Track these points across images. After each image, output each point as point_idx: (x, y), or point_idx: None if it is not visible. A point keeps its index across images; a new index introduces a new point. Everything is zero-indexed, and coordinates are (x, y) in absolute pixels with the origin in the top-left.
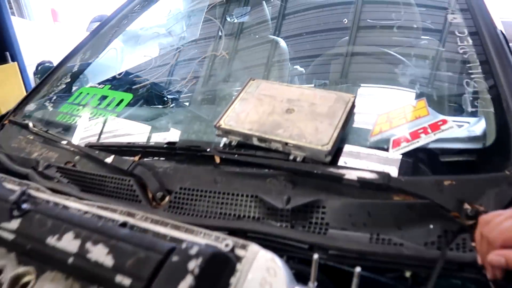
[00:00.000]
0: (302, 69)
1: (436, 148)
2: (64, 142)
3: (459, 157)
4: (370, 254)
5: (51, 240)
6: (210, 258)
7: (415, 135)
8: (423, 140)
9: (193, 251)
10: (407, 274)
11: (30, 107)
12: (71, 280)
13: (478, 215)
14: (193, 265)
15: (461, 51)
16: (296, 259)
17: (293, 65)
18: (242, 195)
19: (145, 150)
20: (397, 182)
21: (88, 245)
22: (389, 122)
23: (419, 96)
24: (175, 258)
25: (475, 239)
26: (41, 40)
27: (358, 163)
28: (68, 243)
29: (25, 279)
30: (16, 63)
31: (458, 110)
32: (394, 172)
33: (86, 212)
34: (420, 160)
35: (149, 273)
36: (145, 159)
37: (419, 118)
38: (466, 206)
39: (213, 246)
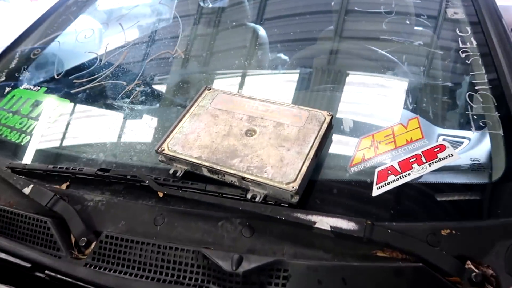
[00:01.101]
0: (286, 57)
1: (431, 184)
2: None
3: (460, 196)
4: None
5: None
6: None
7: (406, 166)
8: (415, 173)
9: None
10: None
11: None
12: None
13: (485, 281)
14: None
15: (463, 55)
16: None
17: (276, 53)
18: (183, 250)
19: (75, 176)
20: (381, 233)
21: None
22: (374, 147)
23: (411, 103)
24: None
25: None
26: (18, 21)
27: (333, 204)
28: None
29: None
30: None
31: (458, 123)
32: (379, 214)
33: None
34: (412, 200)
35: None
36: (74, 188)
37: (411, 142)
38: (470, 265)
39: None
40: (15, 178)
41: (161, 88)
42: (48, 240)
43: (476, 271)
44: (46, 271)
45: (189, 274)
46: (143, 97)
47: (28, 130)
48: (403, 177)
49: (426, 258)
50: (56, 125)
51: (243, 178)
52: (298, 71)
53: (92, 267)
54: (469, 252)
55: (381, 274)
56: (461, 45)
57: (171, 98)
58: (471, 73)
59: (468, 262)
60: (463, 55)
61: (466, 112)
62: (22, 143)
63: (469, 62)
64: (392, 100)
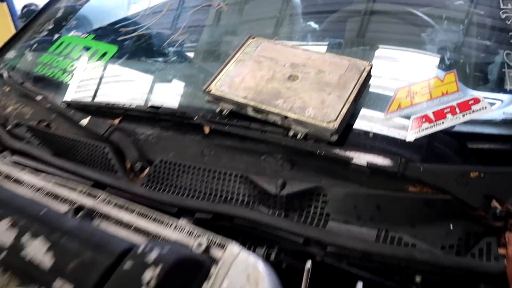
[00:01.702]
0: (316, 25)
1: (464, 132)
2: (40, 97)
3: (491, 145)
4: (376, 254)
5: None
6: (173, 266)
7: (440, 115)
8: (449, 122)
9: (153, 256)
10: (417, 279)
11: (10, 54)
12: (9, 275)
13: (509, 216)
14: (150, 275)
15: (503, 16)
16: (288, 252)
17: (306, 21)
18: (231, 175)
19: (126, 113)
20: (414, 170)
21: (25, 238)
22: (411, 97)
23: (448, 66)
24: (128, 264)
25: (503, 245)
26: None
27: (369, 145)
28: (2, 232)
29: None
30: (5, 3)
31: (494, 86)
32: (411, 158)
33: (39, 189)
34: (444, 146)
35: (94, 281)
36: (126, 124)
37: (446, 94)
38: (495, 204)
39: (180, 246)
40: (71, 112)
41: (204, 37)
42: (106, 164)
43: (500, 208)
44: (107, 189)
45: (236, 195)
46: (187, 45)
47: (79, 72)
48: (436, 125)
49: (455, 193)
50: (105, 69)
51: (286, 117)
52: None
53: (148, 187)
54: (495, 193)
55: (413, 204)
56: (502, 6)
57: (213, 48)
58: (510, 33)
59: (494, 200)
60: (503, 16)
61: (503, 70)
62: (74, 84)
63: (509, 23)
64: (429, 57)
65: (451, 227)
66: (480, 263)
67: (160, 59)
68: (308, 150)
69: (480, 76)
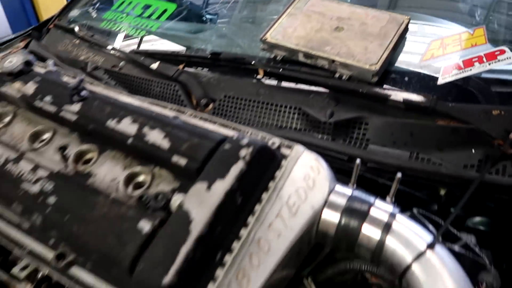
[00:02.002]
0: None
1: (488, 78)
2: (110, 47)
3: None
4: (408, 169)
5: (111, 123)
6: (260, 149)
7: (468, 63)
8: (476, 69)
9: (244, 141)
10: (442, 192)
11: (74, 13)
12: (130, 158)
13: None
14: (245, 152)
15: None
16: (334, 169)
17: None
18: (286, 106)
19: (189, 60)
20: (443, 106)
21: (146, 129)
22: (443, 48)
23: (479, 16)
24: (227, 145)
25: None
26: None
27: (405, 86)
28: (127, 126)
29: (88, 156)
30: None
31: None
32: (441, 98)
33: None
34: (471, 89)
35: (204, 155)
36: (189, 68)
37: (475, 46)
38: None
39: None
40: (142, 58)
41: None
42: (176, 100)
43: None
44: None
45: (290, 124)
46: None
47: (143, 27)
48: (465, 72)
49: (478, 125)
50: (166, 23)
51: (333, 61)
52: None
53: None
54: None
55: (441, 131)
56: None
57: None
58: None
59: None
60: None
61: None
62: (139, 36)
63: None
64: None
65: (473, 151)
66: (496, 177)
67: (216, 16)
68: (351, 89)
69: (507, 32)
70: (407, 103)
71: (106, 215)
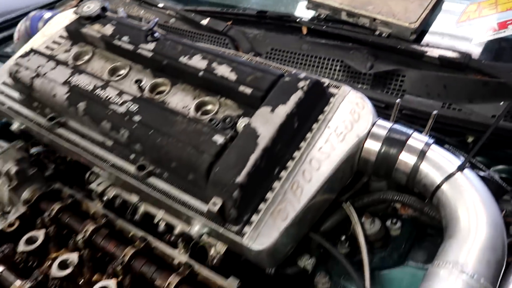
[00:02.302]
0: None
1: None
2: (161, 5)
3: None
4: (440, 117)
5: (183, 59)
6: (315, 82)
7: (502, 26)
8: (510, 31)
9: (302, 75)
10: (469, 139)
11: None
12: (199, 90)
13: None
14: (303, 84)
15: None
16: None
17: None
18: (328, 59)
19: (237, 18)
20: (476, 63)
21: (214, 64)
22: (479, 11)
23: None
24: (287, 78)
25: None
26: None
27: (441, 44)
28: (197, 62)
29: (161, 88)
30: None
31: None
32: (475, 55)
33: None
34: (503, 49)
35: (267, 85)
36: (237, 25)
37: (510, 10)
38: None
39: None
40: (192, 14)
41: None
42: None
43: None
44: None
45: (332, 75)
46: None
47: None
48: (499, 33)
49: (507, 80)
50: None
51: (374, 19)
52: None
53: None
54: None
55: (473, 84)
56: None
57: None
58: None
59: None
60: None
61: None
62: None
63: None
64: None
65: (501, 103)
66: None
67: None
68: (391, 45)
69: None
70: (442, 59)
71: (184, 130)
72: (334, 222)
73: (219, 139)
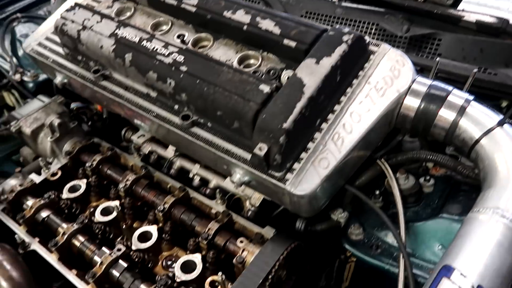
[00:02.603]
0: None
1: None
2: None
3: None
4: (475, 80)
5: (227, 13)
6: (359, 37)
7: None
8: None
9: (346, 30)
10: (503, 104)
11: None
12: (241, 45)
13: None
14: (347, 38)
15: None
16: None
17: None
18: (363, 22)
19: None
20: None
21: (258, 18)
22: None
23: None
24: (331, 32)
25: None
26: None
27: (478, 10)
28: (241, 16)
29: (204, 43)
30: None
31: None
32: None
33: None
34: None
35: (312, 38)
36: None
37: None
38: None
39: None
40: None
41: None
42: None
43: None
44: None
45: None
46: None
47: None
48: None
49: None
50: None
51: None
52: None
53: None
54: None
55: (510, 48)
56: None
57: None
58: None
59: None
60: None
61: None
62: None
63: None
64: None
65: None
66: None
67: None
68: (427, 10)
69: None
70: (479, 24)
71: (230, 80)
72: (368, 177)
73: (265, 88)
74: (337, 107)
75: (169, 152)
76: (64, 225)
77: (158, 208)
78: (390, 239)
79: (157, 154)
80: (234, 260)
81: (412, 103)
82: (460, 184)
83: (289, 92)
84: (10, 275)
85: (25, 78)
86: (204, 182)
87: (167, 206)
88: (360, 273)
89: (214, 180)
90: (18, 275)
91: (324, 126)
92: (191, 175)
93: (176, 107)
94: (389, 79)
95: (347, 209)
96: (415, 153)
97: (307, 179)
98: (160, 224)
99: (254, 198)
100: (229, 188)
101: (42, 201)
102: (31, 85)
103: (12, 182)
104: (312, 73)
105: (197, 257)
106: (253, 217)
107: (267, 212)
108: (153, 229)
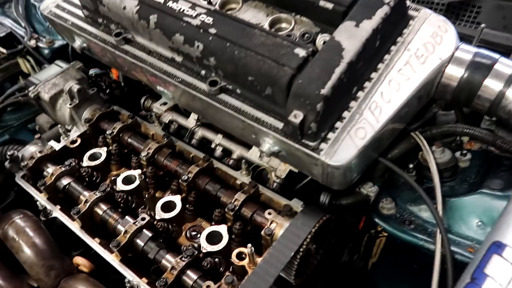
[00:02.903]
0: None
1: None
2: None
3: None
4: None
5: None
6: (400, 0)
7: None
8: None
9: None
10: None
11: None
12: (271, 8)
13: None
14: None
15: None
16: None
17: None
18: None
19: None
20: None
21: None
22: None
23: None
24: None
25: None
26: None
27: None
28: None
29: (232, 5)
30: None
31: None
32: None
33: None
34: None
35: (349, 0)
36: None
37: None
38: None
39: None
40: None
41: None
42: None
43: None
44: None
45: None
46: None
47: None
48: None
49: None
50: None
51: None
52: None
53: None
54: None
55: None
56: None
57: None
58: None
59: None
60: None
61: None
62: None
63: None
64: None
65: None
66: None
67: None
68: None
69: None
70: None
71: (263, 43)
72: (402, 150)
73: (301, 52)
74: (374, 75)
75: (191, 121)
76: (86, 193)
77: (182, 177)
78: (424, 214)
79: (178, 124)
80: (262, 232)
81: (455, 72)
82: (501, 159)
83: (327, 56)
84: (33, 242)
85: (41, 44)
86: (227, 153)
87: (191, 175)
88: (390, 248)
89: (238, 151)
90: (42, 242)
91: (361, 94)
92: (213, 146)
93: (203, 72)
94: (431, 46)
95: (377, 183)
96: (451, 127)
97: (342, 149)
98: (184, 194)
99: (280, 170)
100: (253, 159)
101: (63, 169)
102: (46, 51)
103: (32, 149)
104: (351, 37)
105: (223, 228)
106: (278, 190)
107: (290, 185)
108: (176, 199)
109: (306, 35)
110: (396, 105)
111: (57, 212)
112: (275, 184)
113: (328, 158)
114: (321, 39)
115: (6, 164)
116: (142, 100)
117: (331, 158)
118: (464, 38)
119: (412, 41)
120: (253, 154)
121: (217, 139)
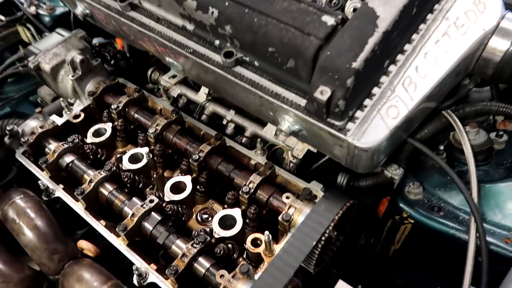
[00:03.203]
0: None
1: None
2: None
3: None
4: None
5: None
6: None
7: None
8: None
9: None
10: None
11: None
12: None
13: None
14: None
15: None
16: None
17: None
18: None
19: None
20: None
21: None
22: None
23: None
24: None
25: None
26: None
27: None
28: None
29: None
30: None
31: None
32: None
33: None
34: None
35: None
36: None
37: None
38: None
39: None
40: None
41: None
42: None
43: None
44: None
45: None
46: None
47: None
48: None
49: None
50: None
51: None
52: None
53: None
54: None
55: None
56: None
57: None
58: None
59: None
60: None
61: None
62: None
63: None
64: None
65: None
66: None
67: None
68: None
69: None
70: None
71: (286, 9)
72: (432, 130)
73: (329, 20)
74: (408, 47)
75: (201, 96)
76: (90, 172)
77: (193, 157)
78: (455, 200)
79: (187, 98)
80: (279, 217)
81: (500, 44)
82: None
83: (359, 25)
84: (35, 224)
85: (41, 11)
86: (239, 130)
87: (202, 155)
88: (416, 236)
89: (251, 128)
90: (44, 224)
91: (393, 68)
92: (224, 122)
93: (217, 42)
94: (473, 15)
95: (402, 165)
96: (486, 105)
97: (372, 130)
98: (194, 175)
99: (298, 149)
100: (268, 137)
101: (65, 145)
102: (47, 19)
103: (32, 124)
104: (387, 3)
105: (237, 212)
106: (294, 171)
107: (306, 166)
108: (186, 179)
109: (334, 1)
110: (432, 81)
111: (60, 192)
112: (291, 165)
113: (356, 139)
114: (351, 5)
115: (6, 139)
116: (149, 72)
117: (359, 140)
118: (510, 7)
119: (451, 8)
120: (267, 132)
121: (229, 115)
